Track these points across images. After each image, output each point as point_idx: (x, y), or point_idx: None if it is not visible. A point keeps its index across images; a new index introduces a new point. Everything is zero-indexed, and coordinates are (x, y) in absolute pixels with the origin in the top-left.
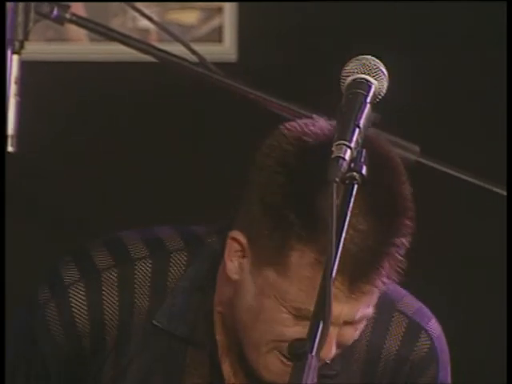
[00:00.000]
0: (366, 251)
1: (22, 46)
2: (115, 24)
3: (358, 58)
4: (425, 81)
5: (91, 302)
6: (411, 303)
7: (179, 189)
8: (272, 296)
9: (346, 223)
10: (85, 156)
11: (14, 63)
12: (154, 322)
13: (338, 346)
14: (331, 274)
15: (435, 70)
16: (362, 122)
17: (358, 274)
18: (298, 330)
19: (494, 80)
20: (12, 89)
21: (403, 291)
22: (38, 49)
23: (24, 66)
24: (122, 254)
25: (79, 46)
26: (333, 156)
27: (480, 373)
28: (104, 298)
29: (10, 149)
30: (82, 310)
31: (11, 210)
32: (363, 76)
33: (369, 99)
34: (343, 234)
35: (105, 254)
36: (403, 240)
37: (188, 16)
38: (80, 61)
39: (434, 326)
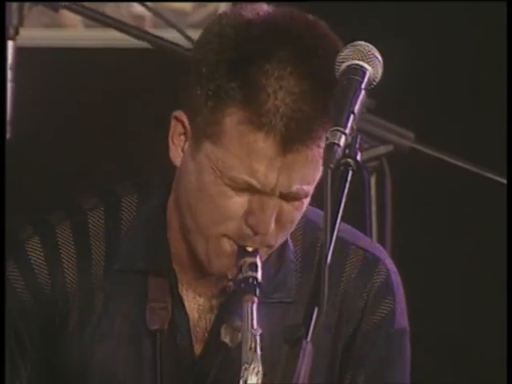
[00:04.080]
0: (300, 114)
1: (16, 32)
2: (110, 10)
3: (352, 43)
4: (420, 67)
5: (48, 254)
6: (368, 241)
7: None
8: (210, 169)
9: (341, 209)
10: (79, 142)
11: (8, 49)
12: (115, 266)
13: (278, 223)
14: (326, 260)
15: (431, 56)
16: (356, 108)
17: (291, 134)
18: (238, 202)
19: (491, 66)
20: (7, 75)
21: (359, 233)
22: (33, 35)
23: (19, 52)
24: (73, 207)
25: (74, 33)
26: (327, 142)
27: (480, 371)
28: (60, 249)
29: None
30: (41, 263)
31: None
32: (358, 62)
33: (363, 85)
34: (338, 221)
35: (57, 210)
36: None
37: (183, 2)
38: (75, 47)
39: (390, 262)
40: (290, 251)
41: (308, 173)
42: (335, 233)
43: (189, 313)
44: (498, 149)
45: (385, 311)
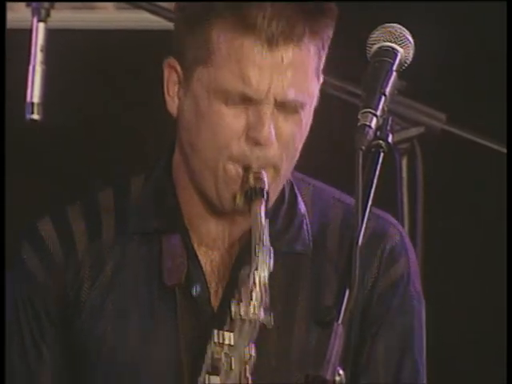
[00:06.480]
0: (282, 14)
1: (48, 14)
2: None
3: (383, 25)
4: (452, 48)
5: (59, 229)
6: (378, 210)
7: None
8: (204, 93)
9: (373, 192)
10: (110, 124)
11: (39, 31)
12: (127, 231)
13: (280, 139)
14: (357, 242)
15: (464, 37)
16: (387, 90)
17: (273, 30)
18: (236, 119)
19: None
20: (38, 57)
21: None
22: (64, 17)
23: (50, 33)
24: (82, 191)
25: (105, 14)
26: (359, 124)
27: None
28: (71, 224)
29: (35, 116)
30: (53, 239)
31: (35, 179)
32: (389, 44)
33: (395, 67)
34: (369, 203)
35: (68, 194)
36: (324, 19)
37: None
38: (106, 29)
39: (401, 227)
40: (301, 207)
41: (300, 78)
42: (366, 215)
43: (203, 266)
44: None
45: (400, 271)
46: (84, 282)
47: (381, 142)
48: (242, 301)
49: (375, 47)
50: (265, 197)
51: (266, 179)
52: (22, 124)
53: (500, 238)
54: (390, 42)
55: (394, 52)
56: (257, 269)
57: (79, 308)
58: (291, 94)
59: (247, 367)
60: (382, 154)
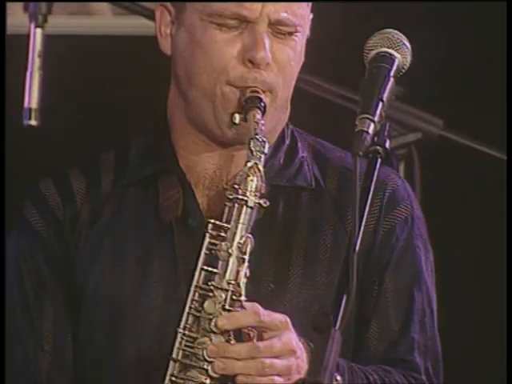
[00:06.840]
0: None
1: (45, 20)
2: None
3: (381, 31)
4: (449, 54)
5: (60, 188)
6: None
7: None
8: (198, 21)
9: (370, 197)
10: (106, 130)
11: (37, 37)
12: (124, 181)
13: (276, 62)
14: (354, 248)
15: (461, 44)
16: (385, 96)
17: None
18: (231, 42)
19: None
20: (36, 62)
21: None
22: (61, 23)
23: (47, 39)
24: (86, 156)
25: (102, 20)
26: (356, 130)
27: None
28: (72, 183)
29: (33, 122)
30: (54, 196)
31: (32, 182)
32: (386, 50)
33: (392, 73)
34: (367, 208)
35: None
36: None
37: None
38: (103, 35)
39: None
40: (301, 151)
41: (291, 2)
42: (364, 220)
43: (200, 203)
44: None
45: (403, 214)
46: (83, 228)
47: (378, 147)
48: (238, 192)
49: (373, 53)
50: (262, 106)
51: (263, 94)
52: (21, 129)
53: (498, 243)
54: (388, 47)
55: (392, 58)
56: (251, 159)
57: (79, 253)
58: (284, 14)
59: (246, 258)
60: (379, 160)
